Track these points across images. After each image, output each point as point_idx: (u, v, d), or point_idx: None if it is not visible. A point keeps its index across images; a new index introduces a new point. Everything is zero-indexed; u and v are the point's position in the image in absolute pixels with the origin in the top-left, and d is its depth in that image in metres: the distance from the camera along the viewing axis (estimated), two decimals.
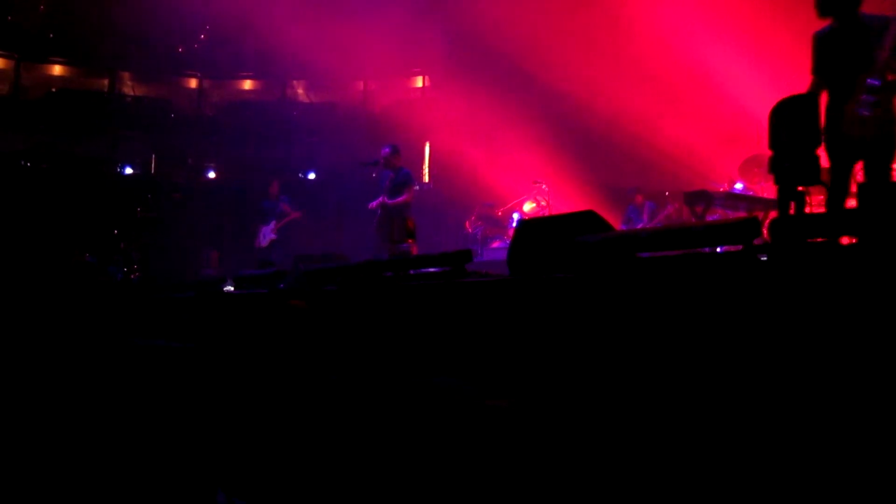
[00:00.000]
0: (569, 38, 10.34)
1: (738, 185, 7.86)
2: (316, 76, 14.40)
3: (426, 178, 13.10)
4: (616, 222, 10.68)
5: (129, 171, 13.82)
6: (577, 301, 3.30)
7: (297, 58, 12.56)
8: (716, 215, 7.71)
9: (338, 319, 4.13)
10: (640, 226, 9.42)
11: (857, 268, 2.67)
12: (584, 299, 3.28)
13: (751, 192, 7.78)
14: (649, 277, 3.03)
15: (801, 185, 4.18)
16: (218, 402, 3.45)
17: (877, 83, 4.19)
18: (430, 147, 13.22)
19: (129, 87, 15.01)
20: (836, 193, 4.27)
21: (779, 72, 8.08)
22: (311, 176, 13.30)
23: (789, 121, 4.17)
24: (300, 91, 15.26)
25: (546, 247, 3.92)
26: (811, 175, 4.10)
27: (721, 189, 7.85)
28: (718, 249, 5.93)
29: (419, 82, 14.86)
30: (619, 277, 3.03)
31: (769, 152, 4.32)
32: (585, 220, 3.72)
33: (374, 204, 8.10)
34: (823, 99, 4.62)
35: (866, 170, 4.30)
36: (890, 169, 4.33)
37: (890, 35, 4.17)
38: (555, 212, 9.12)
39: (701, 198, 6.95)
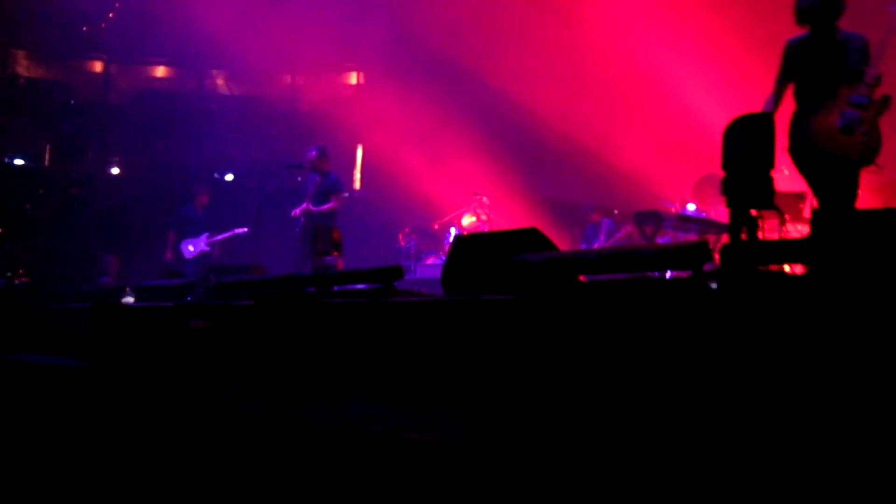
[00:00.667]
0: (518, 43, 10.50)
1: (691, 206, 8.08)
2: (238, 66, 14.20)
3: (357, 185, 13.07)
4: (564, 241, 10.90)
5: (18, 161, 13.36)
6: (515, 325, 3.34)
7: (217, 45, 12.35)
8: (667, 237, 7.91)
9: (251, 338, 4.07)
10: (596, 245, 9.58)
11: (808, 298, 2.79)
12: (522, 324, 3.32)
13: (704, 214, 8.02)
14: (591, 302, 3.09)
15: (753, 208, 4.33)
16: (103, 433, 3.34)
17: (864, 100, 4.42)
18: (363, 150, 13.20)
19: (22, 68, 14.52)
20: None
21: (738, 88, 8.35)
22: (228, 177, 13.11)
23: (744, 140, 4.31)
24: (220, 82, 15.03)
25: (484, 265, 3.96)
26: (764, 198, 4.25)
27: (674, 209, 8.06)
28: (668, 274, 6.08)
29: (353, 79, 14.80)
30: (559, 301, 3.09)
31: (723, 172, 4.47)
32: (527, 238, 3.78)
33: (297, 211, 8.03)
34: (780, 115, 4.81)
35: (830, 190, 4.48)
36: (853, 193, 4.55)
37: (876, 51, 4.42)
38: (496, 227, 9.19)
39: (651, 218, 7.13)
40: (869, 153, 4.42)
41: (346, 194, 9.12)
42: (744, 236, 4.24)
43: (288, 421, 2.85)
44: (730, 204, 4.35)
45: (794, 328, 2.68)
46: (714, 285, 3.25)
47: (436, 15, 11.03)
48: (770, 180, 4.41)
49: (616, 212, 9.71)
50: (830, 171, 4.52)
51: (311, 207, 7.89)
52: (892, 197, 8.53)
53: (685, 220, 7.42)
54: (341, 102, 13.82)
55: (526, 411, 3.08)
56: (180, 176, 11.38)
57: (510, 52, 10.60)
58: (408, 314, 3.87)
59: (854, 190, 4.52)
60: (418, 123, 11.39)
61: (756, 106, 4.82)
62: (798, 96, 4.70)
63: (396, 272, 3.99)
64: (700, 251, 3.20)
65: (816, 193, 4.75)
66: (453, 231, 9.73)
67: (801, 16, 4.64)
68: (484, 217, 9.84)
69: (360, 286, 4.51)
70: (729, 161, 4.37)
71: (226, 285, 4.51)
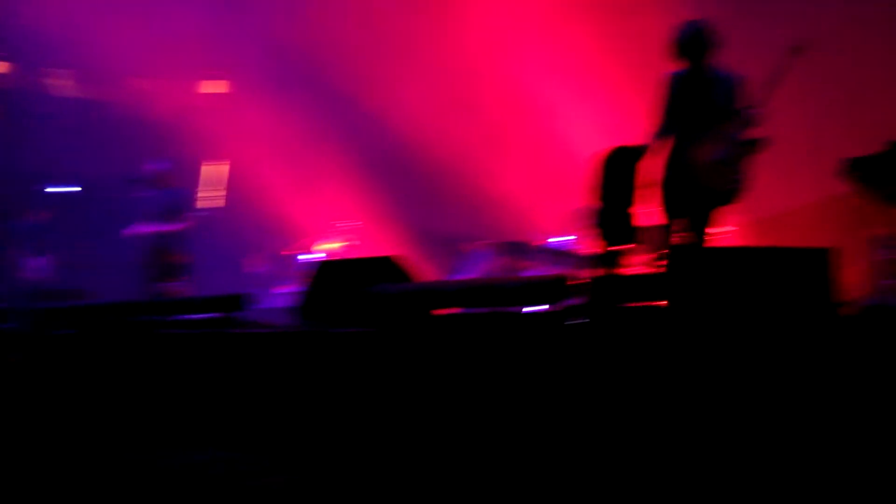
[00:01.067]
0: (396, 66, 10.50)
1: (561, 238, 8.28)
2: (82, 66, 13.54)
3: (219, 203, 12.69)
4: (437, 271, 10.93)
5: None
6: (369, 359, 3.30)
7: (59, 40, 11.74)
8: (534, 270, 8.07)
9: (73, 373, 3.86)
10: (466, 278, 9.61)
11: (666, 334, 2.89)
12: (376, 358, 3.29)
13: (574, 247, 8.22)
14: (445, 337, 3.10)
15: (617, 243, 4.47)
16: None
17: (731, 139, 4.65)
18: (227, 166, 12.84)
19: None
20: (652, 247, 4.62)
21: (614, 118, 8.65)
22: (63, 189, 12.43)
23: (611, 173, 4.46)
24: (59, 82, 14.30)
25: (342, 295, 3.91)
26: (629, 232, 4.41)
27: (542, 241, 8.22)
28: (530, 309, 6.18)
29: (214, 88, 14.41)
30: (410, 336, 3.08)
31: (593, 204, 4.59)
32: (383, 267, 3.76)
33: (138, 230, 7.70)
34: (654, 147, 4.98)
35: (690, 227, 4.67)
36: (704, 231, 4.77)
37: (747, 96, 4.64)
38: (365, 254, 9.09)
39: (517, 250, 7.26)
40: (734, 191, 4.64)
41: (196, 213, 8.84)
42: (608, 271, 4.38)
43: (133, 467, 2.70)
44: (600, 237, 4.49)
45: (650, 363, 2.77)
46: (574, 321, 3.33)
47: (314, 28, 10.92)
48: (630, 216, 4.57)
49: (484, 242, 9.83)
50: (699, 205, 4.70)
51: (155, 227, 7.58)
52: (764, 234, 9.13)
53: (553, 252, 7.58)
54: (198, 113, 13.42)
55: (372, 448, 3.04)
56: (9, 186, 10.71)
57: (388, 73, 10.61)
58: (253, 347, 3.77)
59: (714, 224, 4.71)
60: (284, 140, 11.20)
61: (632, 137, 4.97)
62: (676, 131, 4.89)
63: (238, 301, 3.87)
64: (560, 286, 3.29)
65: (683, 227, 4.95)
66: (315, 257, 9.59)
67: (675, 49, 4.84)
68: (352, 244, 9.75)
69: (203, 316, 4.35)
70: (601, 192, 4.52)
71: (44, 312, 4.24)
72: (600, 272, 4.51)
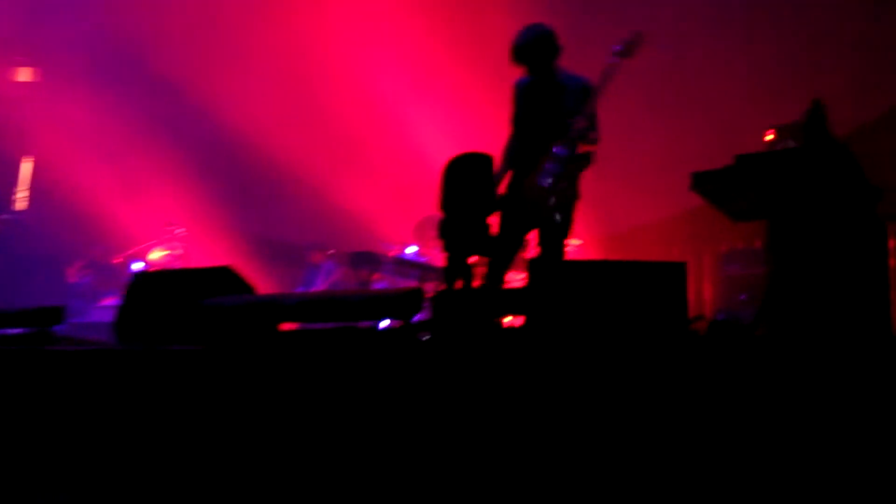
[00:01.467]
0: (234, 60, 10.22)
1: (412, 249, 8.36)
2: None
3: (18, 205, 11.96)
4: (281, 283, 10.73)
5: None
6: (199, 381, 3.20)
7: None
8: (384, 282, 8.08)
9: None
10: (315, 289, 9.52)
11: (524, 350, 2.96)
12: (212, 379, 3.19)
13: (425, 259, 8.30)
14: (291, 355, 3.04)
15: (470, 254, 4.53)
16: None
17: (563, 153, 4.71)
18: (33, 163, 12.13)
19: None
20: (499, 265, 4.70)
21: (466, 125, 8.79)
22: None
23: (461, 181, 4.50)
24: None
25: (169, 308, 3.78)
26: (481, 244, 4.47)
27: (393, 252, 8.24)
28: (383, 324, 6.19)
29: (24, 76, 13.60)
30: (250, 354, 3.00)
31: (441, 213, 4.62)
32: (219, 278, 3.66)
33: None
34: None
35: (540, 243, 4.78)
36: (563, 245, 4.88)
37: (590, 103, 4.72)
38: (195, 264, 8.84)
39: (367, 261, 7.24)
40: (562, 210, 4.70)
41: (5, 216, 8.31)
42: (459, 285, 4.42)
43: None
44: (446, 249, 4.51)
45: (507, 381, 2.82)
46: (425, 336, 3.36)
47: (141, 9, 10.47)
48: (487, 226, 4.64)
49: (331, 252, 9.76)
50: (538, 227, 4.81)
51: None
52: (617, 249, 9.53)
53: (404, 264, 7.61)
54: (6, 103, 12.63)
55: (206, 479, 2.94)
56: None
57: (225, 68, 10.30)
58: (69, 367, 3.56)
59: (558, 245, 4.81)
60: (104, 137, 10.69)
61: (484, 144, 5.03)
62: (526, 142, 4.90)
63: (56, 314, 3.67)
64: (412, 300, 3.29)
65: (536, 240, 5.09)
66: (138, 267, 9.21)
67: (516, 55, 4.82)
68: (179, 252, 9.43)
69: (10, 331, 4.09)
70: (446, 202, 4.54)
71: None
72: (451, 285, 4.54)
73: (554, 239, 4.75)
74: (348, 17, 9.99)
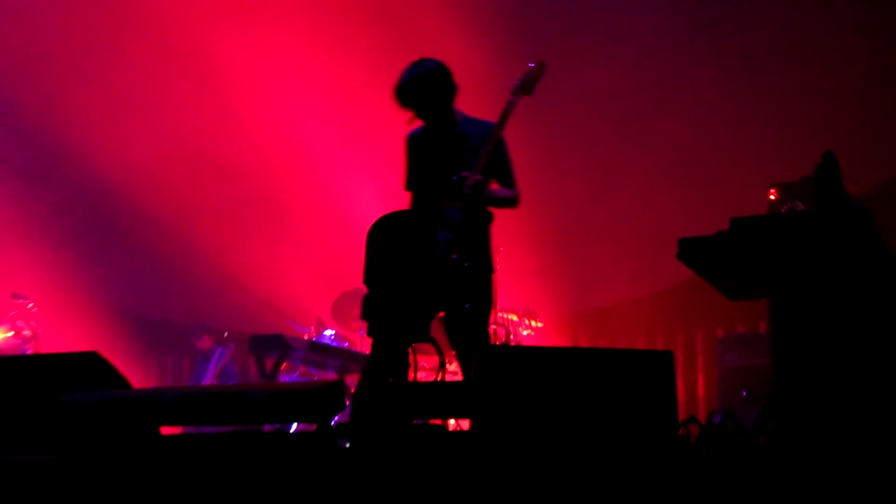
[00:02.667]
0: (101, 91, 10.18)
1: (329, 332, 8.36)
2: None
3: None
4: (163, 375, 10.56)
5: None
6: (61, 500, 3.15)
7: None
8: (295, 374, 8.03)
9: None
10: (205, 381, 9.42)
11: (470, 461, 2.95)
12: (72, 498, 3.14)
13: (346, 344, 8.27)
14: (174, 466, 3.01)
15: (402, 339, 4.51)
16: None
17: (456, 217, 4.70)
18: None
19: None
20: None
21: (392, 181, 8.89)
22: None
23: (391, 246, 4.49)
24: None
25: (15, 407, 3.72)
26: (417, 326, 4.45)
27: (307, 335, 8.22)
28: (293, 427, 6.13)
29: None
30: (127, 465, 2.96)
31: (366, 288, 4.62)
32: (82, 368, 3.61)
33: None
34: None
35: (464, 330, 4.76)
36: (487, 325, 4.89)
37: (482, 152, 4.71)
38: (51, 349, 8.69)
39: (272, 346, 7.18)
40: (471, 288, 4.64)
41: None
42: (388, 377, 4.39)
43: None
44: (371, 332, 4.50)
45: (450, 500, 2.82)
46: (344, 442, 3.34)
47: None
48: (412, 303, 4.61)
49: (226, 334, 9.69)
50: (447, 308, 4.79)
51: None
52: (587, 330, 9.64)
53: (320, 350, 7.58)
54: None
55: None
56: None
57: (96, 101, 10.24)
58: None
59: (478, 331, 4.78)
60: None
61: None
62: (422, 205, 4.97)
63: None
64: (330, 396, 3.28)
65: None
66: None
67: (400, 96, 4.86)
68: (27, 333, 9.26)
69: None
70: (371, 273, 4.53)
71: None
72: (379, 378, 4.52)
73: (476, 320, 4.76)
74: (258, 50, 10.04)
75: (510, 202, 5.00)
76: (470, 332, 4.73)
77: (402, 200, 5.13)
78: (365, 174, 9.54)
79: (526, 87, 4.88)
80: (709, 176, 8.82)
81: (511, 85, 4.89)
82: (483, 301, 4.80)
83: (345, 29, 9.75)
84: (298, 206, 10.21)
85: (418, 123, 4.99)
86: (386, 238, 4.62)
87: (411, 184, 5.06)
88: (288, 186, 10.15)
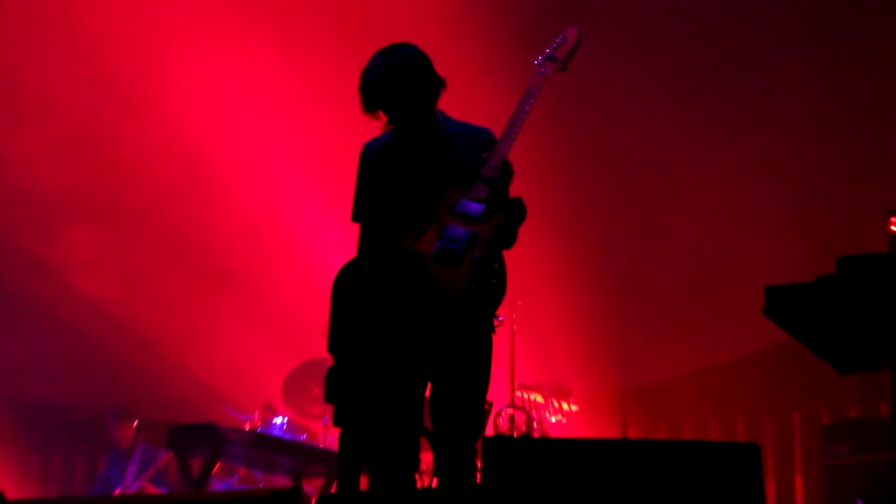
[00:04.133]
0: None
1: (280, 420, 8.28)
2: None
3: None
4: (54, 480, 10.46)
5: None
6: None
7: None
8: (232, 480, 7.95)
9: None
10: (119, 490, 9.41)
11: None
12: None
13: (302, 436, 8.23)
14: None
15: (385, 428, 4.44)
16: None
17: (478, 206, 4.65)
18: None
19: None
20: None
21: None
22: None
23: (344, 308, 4.44)
24: None
25: None
26: (405, 410, 4.38)
27: (249, 425, 8.17)
28: None
29: None
30: None
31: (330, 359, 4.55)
32: None
33: None
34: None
35: (454, 399, 4.67)
36: (483, 401, 4.80)
37: (493, 157, 4.74)
38: None
39: (201, 439, 7.10)
40: (486, 307, 4.59)
41: None
42: (362, 482, 4.33)
43: None
44: (337, 421, 4.45)
45: None
46: None
47: None
48: (391, 379, 4.56)
49: (136, 423, 9.65)
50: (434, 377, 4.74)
51: None
52: (646, 415, 9.57)
53: (267, 444, 7.51)
54: None
55: None
56: None
57: None
58: None
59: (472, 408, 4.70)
60: None
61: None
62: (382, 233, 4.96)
63: None
64: None
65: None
66: None
67: (369, 98, 4.89)
68: None
69: None
70: (336, 339, 4.49)
71: None
72: (350, 483, 4.47)
73: (469, 387, 4.69)
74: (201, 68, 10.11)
75: (522, 215, 4.90)
76: (461, 401, 4.67)
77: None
78: (329, 210, 9.55)
79: (557, 59, 4.93)
80: (803, 201, 8.78)
81: (538, 59, 4.93)
82: (482, 352, 4.73)
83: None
84: (243, 253, 10.23)
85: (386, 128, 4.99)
86: (358, 290, 4.57)
87: (364, 211, 5.05)
88: (228, 227, 10.17)
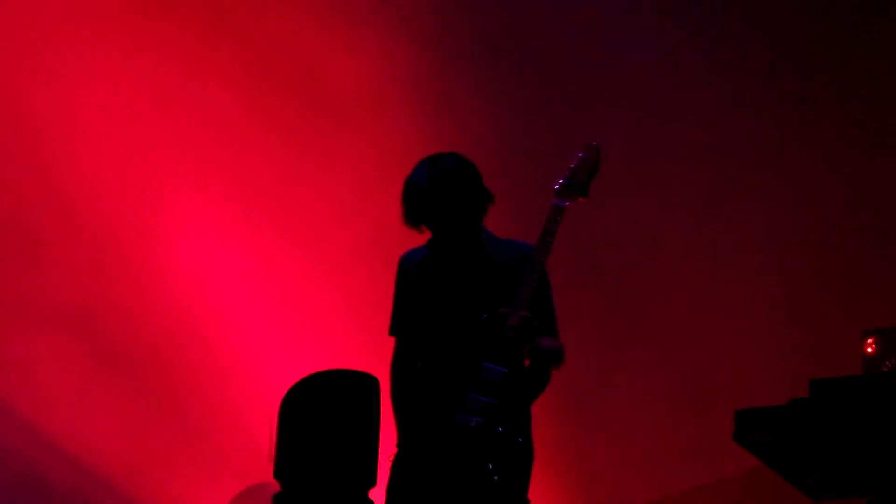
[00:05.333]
0: None
1: None
2: None
3: None
4: None
5: None
6: None
7: None
8: None
9: None
10: None
11: None
12: None
13: None
14: None
15: None
16: None
17: (497, 372, 4.63)
18: None
19: None
20: None
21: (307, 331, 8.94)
22: None
23: (315, 424, 4.40)
24: None
25: None
26: None
27: None
28: None
29: None
30: None
31: (277, 484, 4.48)
32: None
33: None
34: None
35: None
36: None
37: (525, 283, 4.69)
38: None
39: None
40: (506, 473, 4.62)
41: None
42: None
43: None
44: None
45: None
46: None
47: None
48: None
49: None
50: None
51: None
52: None
53: None
54: None
55: None
56: None
57: None
58: None
59: None
60: None
61: (366, 361, 5.06)
62: (423, 364, 4.93)
63: None
64: None
65: None
66: None
67: (410, 208, 4.87)
68: None
69: None
70: (286, 464, 4.44)
71: None
72: None
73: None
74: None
75: (557, 357, 4.91)
76: None
77: (316, 357, 5.02)
78: (275, 321, 9.49)
79: (578, 185, 4.83)
80: (775, 321, 8.77)
81: (555, 184, 4.85)
82: (521, 491, 4.75)
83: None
84: (171, 353, 10.05)
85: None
86: (314, 410, 4.53)
87: (402, 325, 5.01)
88: (162, 340, 10.03)
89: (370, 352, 5.56)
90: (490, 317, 4.69)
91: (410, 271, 5.00)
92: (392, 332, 5.04)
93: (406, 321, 5.00)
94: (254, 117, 9.74)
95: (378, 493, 4.60)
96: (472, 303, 4.83)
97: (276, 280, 9.57)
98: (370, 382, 4.60)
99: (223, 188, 9.75)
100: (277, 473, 4.53)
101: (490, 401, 4.62)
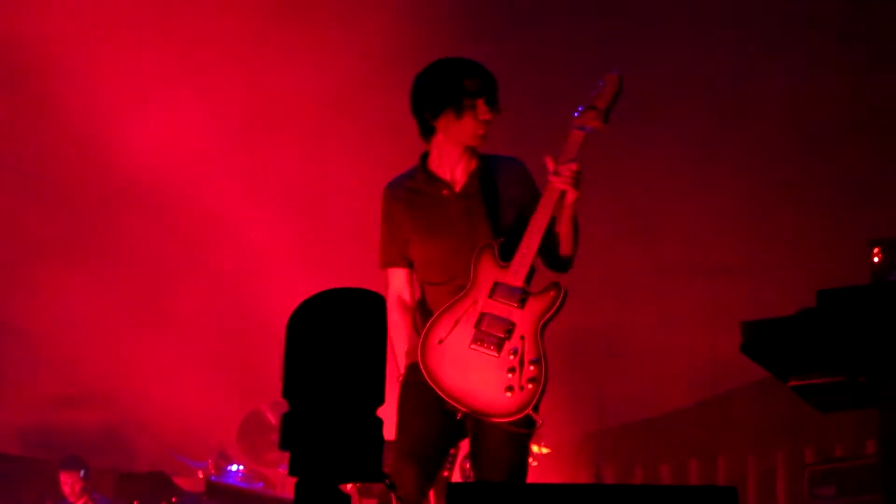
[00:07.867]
0: None
1: (236, 468, 8.35)
2: None
3: None
4: None
5: None
6: None
7: None
8: None
9: None
10: None
11: None
12: None
13: (260, 484, 8.28)
14: None
15: (347, 479, 4.43)
16: None
17: (516, 288, 4.63)
18: None
19: None
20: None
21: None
22: None
23: (323, 343, 4.41)
24: None
25: None
26: (363, 459, 4.36)
27: (202, 473, 8.11)
28: None
29: None
30: None
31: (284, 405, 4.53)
32: None
33: None
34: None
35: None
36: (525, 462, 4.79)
37: (546, 207, 4.64)
38: None
39: (150, 489, 7.09)
40: (524, 404, 4.61)
41: None
42: None
43: None
44: (293, 470, 4.40)
45: None
46: None
47: None
48: (379, 422, 4.55)
49: (82, 473, 9.58)
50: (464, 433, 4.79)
51: None
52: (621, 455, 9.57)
53: (222, 494, 7.51)
54: None
55: None
56: None
57: None
58: None
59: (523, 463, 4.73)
60: None
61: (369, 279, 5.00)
62: (423, 286, 4.97)
63: None
64: None
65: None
66: None
67: (423, 114, 4.85)
68: None
69: None
70: (294, 384, 4.45)
71: None
72: None
73: (506, 455, 4.70)
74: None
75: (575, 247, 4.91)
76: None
77: (322, 280, 5.03)
78: (283, 247, 9.54)
79: (597, 111, 4.82)
80: (777, 229, 8.83)
81: (574, 109, 4.84)
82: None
83: None
84: (191, 282, 10.18)
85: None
86: (322, 326, 4.54)
87: (393, 257, 5.03)
88: (177, 269, 10.14)
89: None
90: (507, 240, 4.71)
91: (399, 200, 4.98)
92: (384, 264, 5.06)
93: (401, 252, 5.01)
94: None
95: (386, 411, 4.65)
96: (480, 230, 4.82)
97: None
98: (377, 300, 4.64)
99: None
100: (286, 392, 4.53)
101: (507, 320, 4.60)
